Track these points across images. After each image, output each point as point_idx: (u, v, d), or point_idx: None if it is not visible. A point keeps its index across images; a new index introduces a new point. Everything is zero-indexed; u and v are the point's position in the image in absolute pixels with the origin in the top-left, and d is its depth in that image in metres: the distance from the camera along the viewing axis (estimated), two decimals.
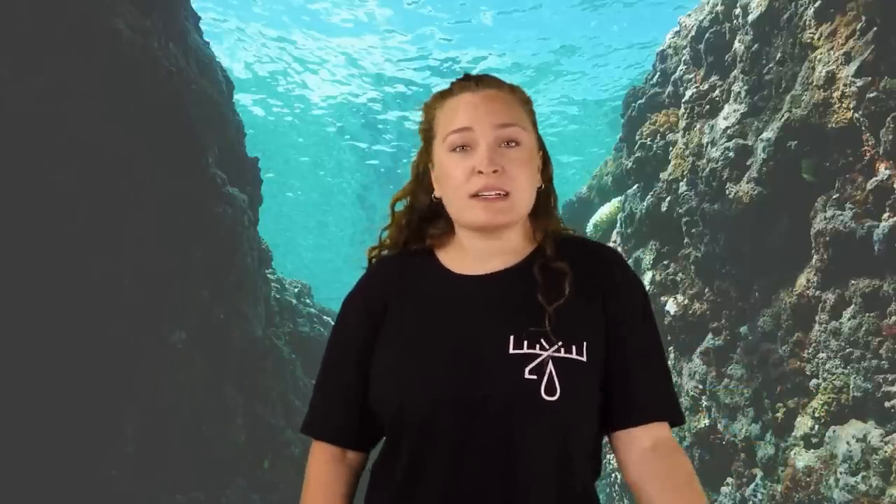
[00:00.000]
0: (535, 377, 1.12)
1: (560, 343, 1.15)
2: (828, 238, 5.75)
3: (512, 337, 1.16)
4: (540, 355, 1.14)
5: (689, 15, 9.26)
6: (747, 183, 6.78)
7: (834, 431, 5.66)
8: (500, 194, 1.19)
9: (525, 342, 1.15)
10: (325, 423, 1.29)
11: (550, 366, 1.13)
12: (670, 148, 8.68)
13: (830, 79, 5.83)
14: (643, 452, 1.17)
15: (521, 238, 1.28)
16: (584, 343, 1.17)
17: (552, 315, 1.16)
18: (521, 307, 1.19)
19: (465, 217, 1.23)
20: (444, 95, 1.29)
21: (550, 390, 1.12)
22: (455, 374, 1.15)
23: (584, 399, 1.16)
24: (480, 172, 1.18)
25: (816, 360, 5.94)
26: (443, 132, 1.24)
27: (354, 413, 1.26)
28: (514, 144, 1.22)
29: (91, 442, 5.52)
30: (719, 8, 8.05)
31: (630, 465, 1.18)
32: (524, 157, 1.22)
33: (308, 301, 10.71)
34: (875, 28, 5.51)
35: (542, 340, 1.15)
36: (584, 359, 1.16)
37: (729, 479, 7.05)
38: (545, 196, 1.30)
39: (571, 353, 1.15)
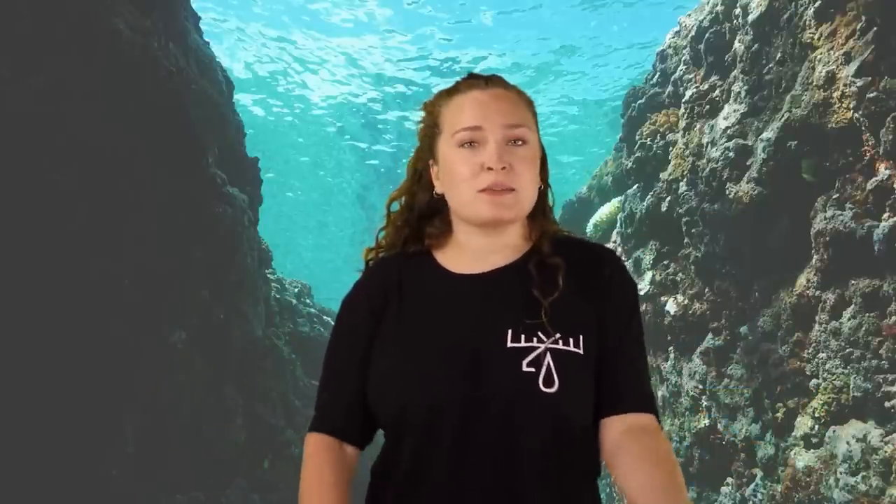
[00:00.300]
0: (533, 370, 1.13)
1: (558, 335, 1.16)
2: (828, 238, 5.75)
3: (510, 331, 1.17)
4: (537, 348, 1.15)
5: (689, 15, 9.25)
6: (747, 183, 6.78)
7: (834, 431, 5.66)
8: (506, 190, 1.20)
9: (522, 335, 1.16)
10: (324, 418, 1.30)
11: (548, 358, 1.14)
12: (670, 148, 8.67)
13: (830, 79, 5.83)
14: (621, 433, 1.18)
15: (520, 237, 1.29)
16: (581, 337, 1.18)
17: (547, 308, 1.17)
18: (518, 302, 1.20)
19: (470, 211, 1.24)
20: (450, 93, 1.29)
21: (549, 382, 1.12)
22: (457, 372, 1.15)
23: (581, 391, 1.16)
24: (490, 169, 1.20)
25: (816, 360, 5.94)
26: (450, 128, 1.25)
27: (356, 412, 1.26)
28: (521, 143, 1.23)
29: (91, 442, 5.53)
30: (719, 8, 8.05)
31: (606, 444, 1.19)
32: (530, 155, 1.24)
33: (308, 301, 10.72)
34: (875, 28, 5.51)
35: (540, 333, 1.16)
36: (581, 351, 1.17)
37: (729, 479, 7.05)
38: (543, 197, 1.32)
39: (569, 345, 1.16)
